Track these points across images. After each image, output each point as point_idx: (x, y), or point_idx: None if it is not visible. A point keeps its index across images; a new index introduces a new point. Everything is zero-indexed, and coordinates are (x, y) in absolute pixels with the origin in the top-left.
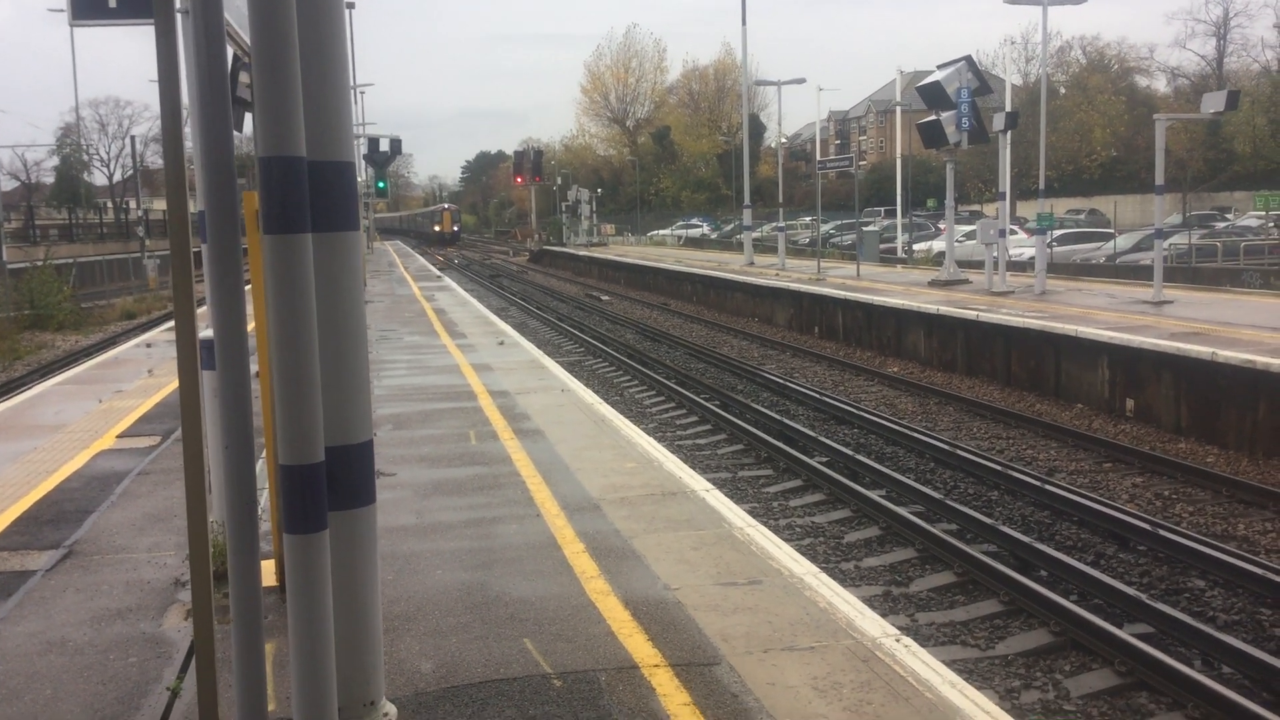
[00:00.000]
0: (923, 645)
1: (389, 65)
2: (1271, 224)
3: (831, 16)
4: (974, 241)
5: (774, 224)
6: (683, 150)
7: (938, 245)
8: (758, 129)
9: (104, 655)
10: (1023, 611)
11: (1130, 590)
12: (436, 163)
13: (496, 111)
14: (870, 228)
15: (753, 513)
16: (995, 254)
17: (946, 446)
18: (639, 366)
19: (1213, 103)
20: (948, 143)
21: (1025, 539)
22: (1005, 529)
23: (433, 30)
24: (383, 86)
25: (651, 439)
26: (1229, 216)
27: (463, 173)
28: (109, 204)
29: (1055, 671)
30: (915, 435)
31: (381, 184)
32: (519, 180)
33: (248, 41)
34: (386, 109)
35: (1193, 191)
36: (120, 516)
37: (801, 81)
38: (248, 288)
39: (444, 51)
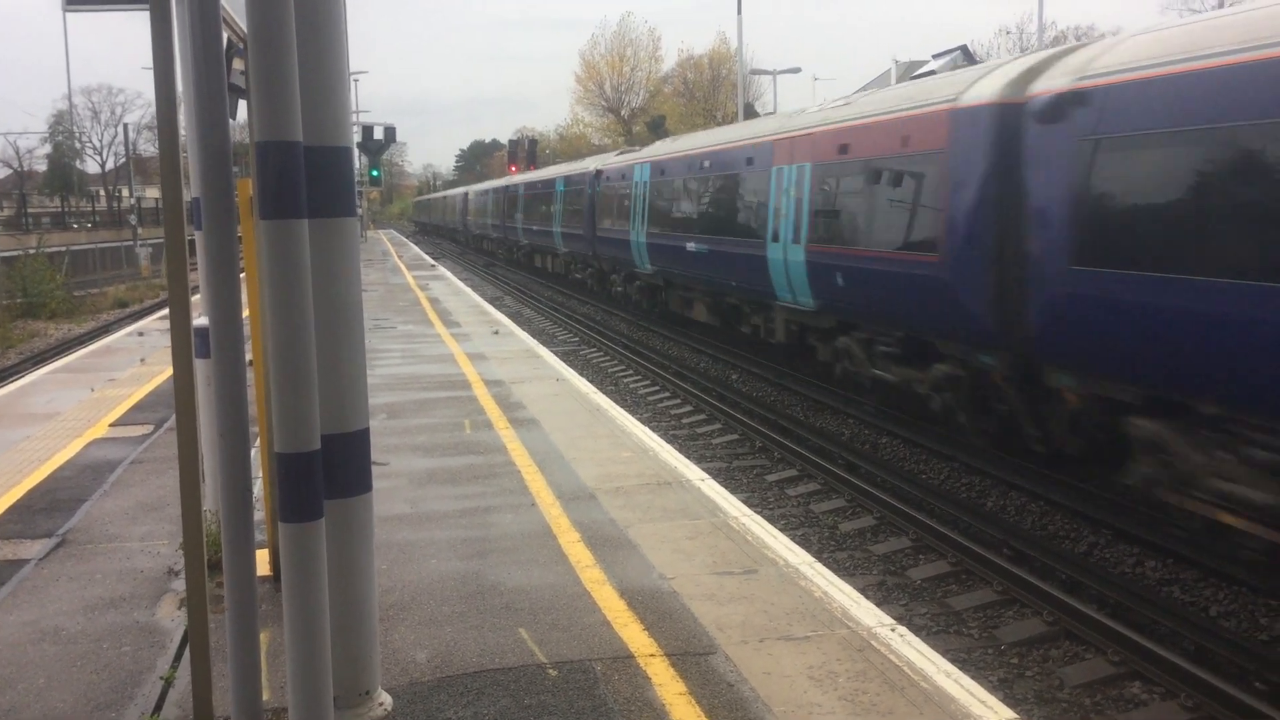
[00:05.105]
0: (917, 635)
1: (392, 52)
2: None
3: (827, 4)
4: None
5: None
6: None
7: None
8: (753, 118)
9: (97, 644)
10: (1016, 601)
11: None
12: (435, 151)
13: (502, 99)
14: None
15: (748, 502)
16: None
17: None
18: (633, 356)
19: None
20: None
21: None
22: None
23: (436, 16)
24: (386, 74)
25: (646, 428)
26: None
27: (457, 161)
28: (101, 192)
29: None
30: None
31: (375, 171)
32: (513, 169)
33: (242, 27)
34: (388, 96)
35: None
36: (113, 505)
37: (797, 71)
38: (241, 275)
39: (448, 38)
